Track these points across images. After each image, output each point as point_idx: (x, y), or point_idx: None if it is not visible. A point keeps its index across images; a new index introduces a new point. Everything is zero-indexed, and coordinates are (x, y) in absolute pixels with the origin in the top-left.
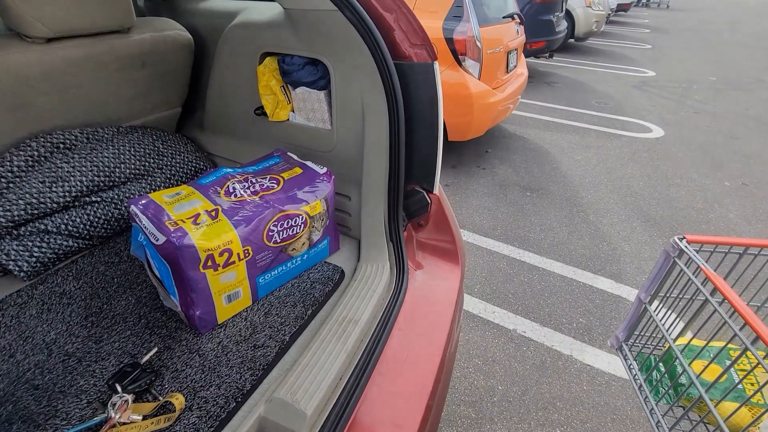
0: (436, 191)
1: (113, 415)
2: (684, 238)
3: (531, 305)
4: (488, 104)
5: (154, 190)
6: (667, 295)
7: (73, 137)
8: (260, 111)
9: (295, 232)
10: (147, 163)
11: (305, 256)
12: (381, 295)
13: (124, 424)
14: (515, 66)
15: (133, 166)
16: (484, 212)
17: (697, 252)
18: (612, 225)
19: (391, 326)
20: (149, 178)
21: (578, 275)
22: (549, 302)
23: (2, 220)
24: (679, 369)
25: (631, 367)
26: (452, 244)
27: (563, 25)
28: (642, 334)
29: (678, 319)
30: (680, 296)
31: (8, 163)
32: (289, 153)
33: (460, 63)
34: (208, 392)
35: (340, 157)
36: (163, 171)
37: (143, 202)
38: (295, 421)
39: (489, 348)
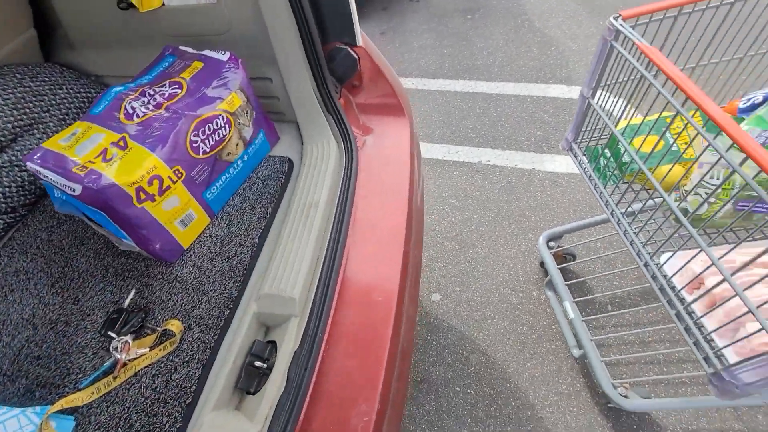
0: (360, 43)
1: (119, 356)
2: (620, 15)
3: (490, 134)
4: None
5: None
6: (612, 82)
7: None
8: (125, 4)
9: (222, 136)
10: (27, 110)
11: (245, 157)
12: (334, 171)
13: (135, 359)
14: None
15: (12, 118)
16: (427, 51)
17: (633, 28)
18: (558, 26)
19: (352, 198)
20: (39, 125)
21: (531, 90)
22: (507, 126)
23: None
24: (622, 149)
25: (581, 162)
26: (393, 98)
27: None
28: (589, 128)
29: (626, 104)
30: (626, 79)
31: None
32: (181, 47)
33: None
34: (201, 309)
35: (241, 35)
36: (52, 113)
37: (38, 154)
38: (287, 306)
39: (459, 186)
